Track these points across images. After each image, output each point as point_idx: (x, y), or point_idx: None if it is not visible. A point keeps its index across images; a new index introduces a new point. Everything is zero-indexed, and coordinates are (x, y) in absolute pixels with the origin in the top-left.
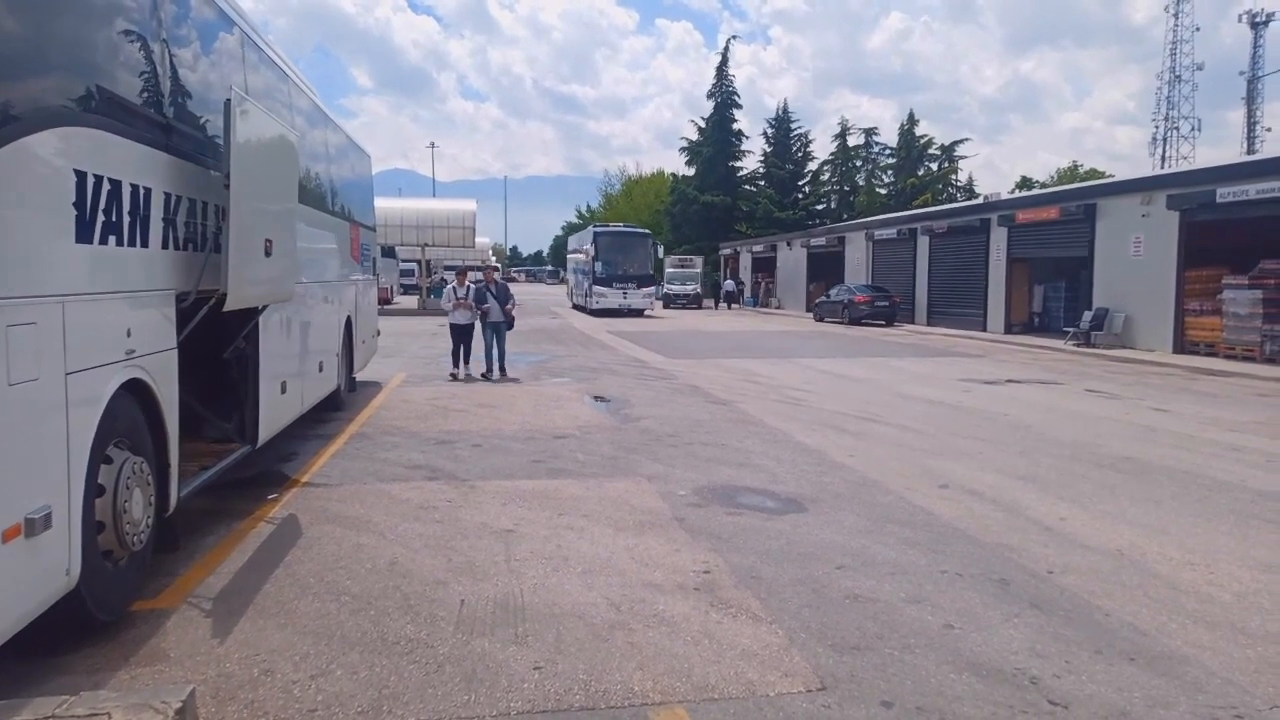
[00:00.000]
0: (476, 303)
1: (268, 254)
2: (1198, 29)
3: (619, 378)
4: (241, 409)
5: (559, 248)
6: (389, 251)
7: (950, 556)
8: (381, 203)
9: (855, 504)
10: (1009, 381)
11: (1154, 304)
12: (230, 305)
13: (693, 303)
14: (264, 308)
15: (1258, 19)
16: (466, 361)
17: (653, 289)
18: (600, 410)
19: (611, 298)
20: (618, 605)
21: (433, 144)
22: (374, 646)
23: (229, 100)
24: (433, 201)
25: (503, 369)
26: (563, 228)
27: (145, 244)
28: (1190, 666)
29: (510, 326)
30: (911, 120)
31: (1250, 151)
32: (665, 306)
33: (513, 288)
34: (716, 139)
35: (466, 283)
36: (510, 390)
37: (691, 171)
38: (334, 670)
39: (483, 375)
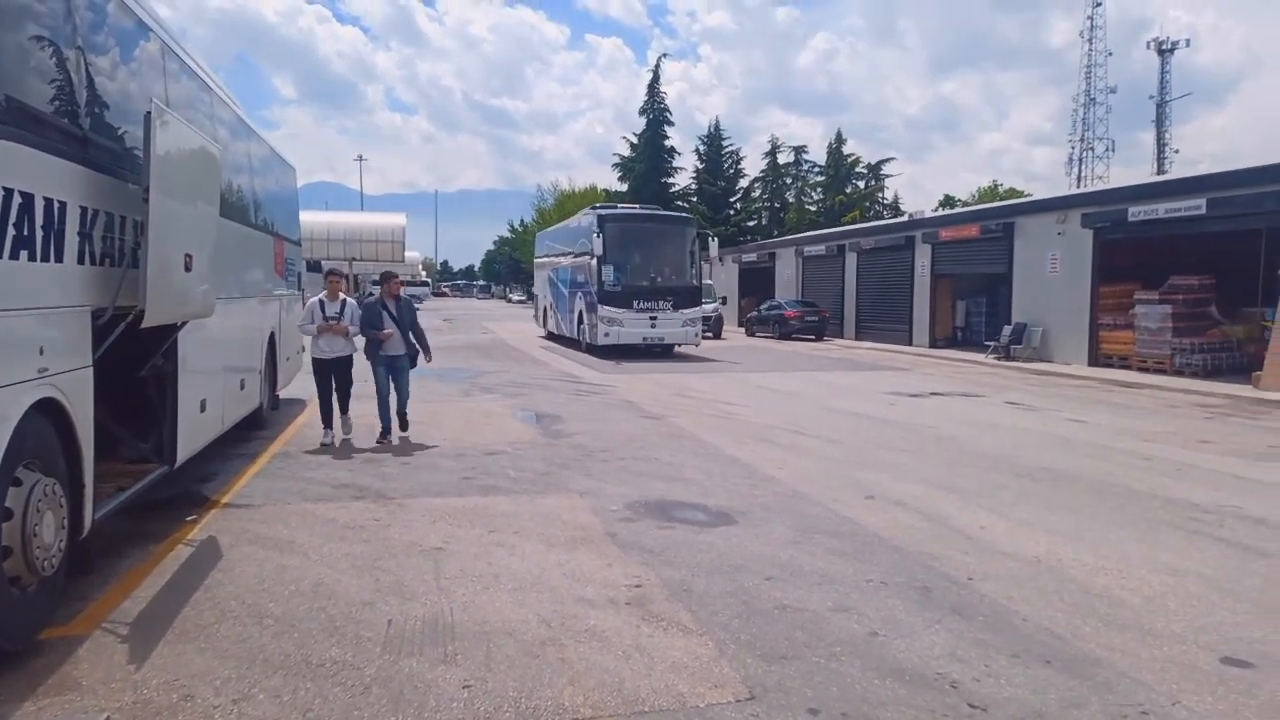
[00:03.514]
0: (364, 326)
1: (188, 269)
2: (1110, 54)
3: (552, 393)
4: (160, 428)
5: (490, 262)
6: (315, 266)
7: (876, 565)
8: (307, 216)
9: (785, 516)
10: (933, 394)
11: (1070, 319)
12: (149, 321)
13: (708, 326)
14: (184, 324)
15: (1164, 46)
16: (344, 411)
17: (698, 311)
18: (532, 426)
19: (631, 325)
20: (549, 621)
21: (360, 156)
22: (298, 669)
23: (149, 112)
24: (361, 215)
25: (404, 421)
26: (495, 242)
27: (59, 259)
28: (1102, 668)
29: (414, 364)
30: (839, 139)
31: (1160, 172)
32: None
33: (441, 304)
34: (649, 155)
35: (342, 296)
36: (440, 407)
37: (625, 187)
38: (256, 694)
39: (379, 440)
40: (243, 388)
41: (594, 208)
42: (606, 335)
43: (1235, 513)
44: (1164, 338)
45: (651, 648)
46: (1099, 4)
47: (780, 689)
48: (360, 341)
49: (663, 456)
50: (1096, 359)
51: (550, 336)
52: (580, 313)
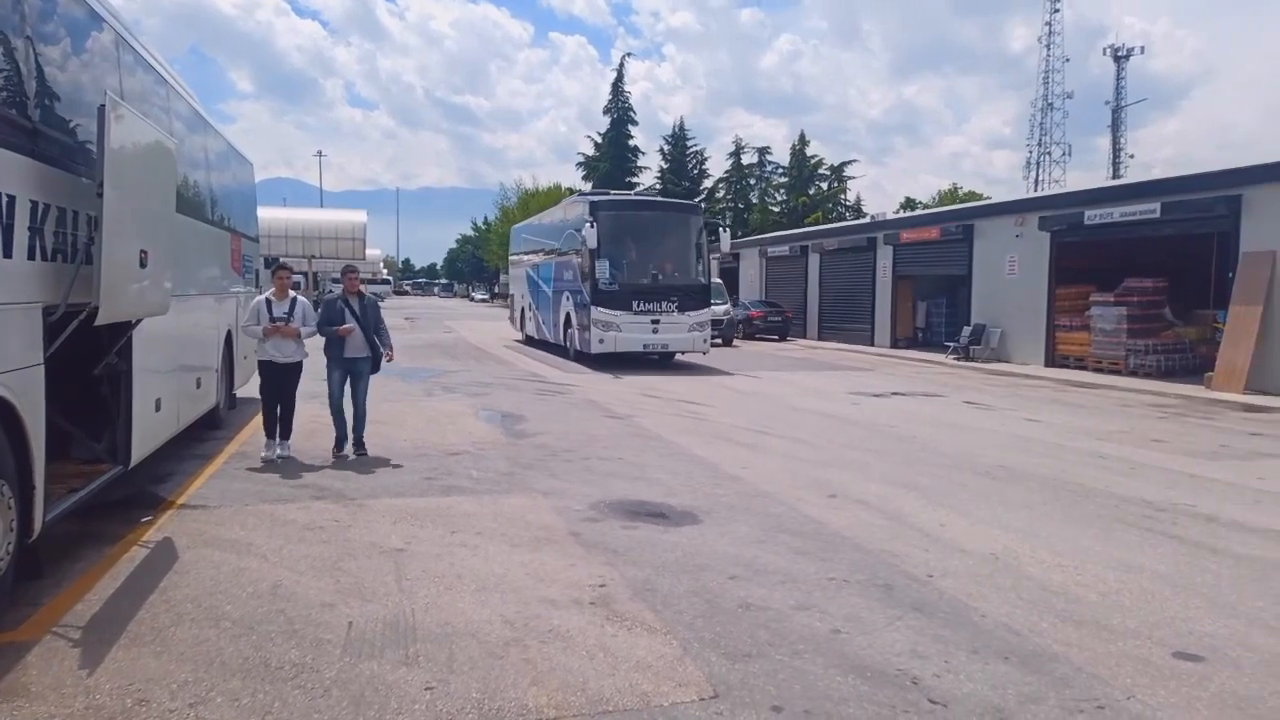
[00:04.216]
0: (323, 323)
1: (143, 265)
2: (1068, 60)
3: (515, 393)
4: (113, 428)
5: (453, 260)
6: (273, 263)
7: (838, 564)
8: (265, 212)
9: (748, 515)
10: (894, 394)
11: (1027, 320)
12: (103, 319)
13: (719, 331)
14: (138, 321)
15: (1120, 53)
16: (285, 432)
17: (707, 313)
18: (495, 426)
19: (630, 330)
20: (512, 622)
21: (320, 152)
22: (256, 672)
23: (103, 105)
24: (320, 212)
25: (360, 443)
26: (457, 240)
27: (8, 254)
28: (1059, 663)
29: (376, 368)
30: (803, 141)
31: (1115, 176)
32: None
33: (402, 302)
34: (613, 155)
35: (291, 294)
36: (401, 407)
37: (589, 187)
38: (214, 698)
39: (335, 454)
40: (199, 387)
41: (584, 194)
42: (601, 342)
43: (1188, 510)
44: (1119, 339)
45: (616, 647)
46: (1057, 11)
47: (744, 687)
48: (314, 344)
49: (627, 456)
50: (1053, 359)
51: (529, 341)
52: (568, 315)
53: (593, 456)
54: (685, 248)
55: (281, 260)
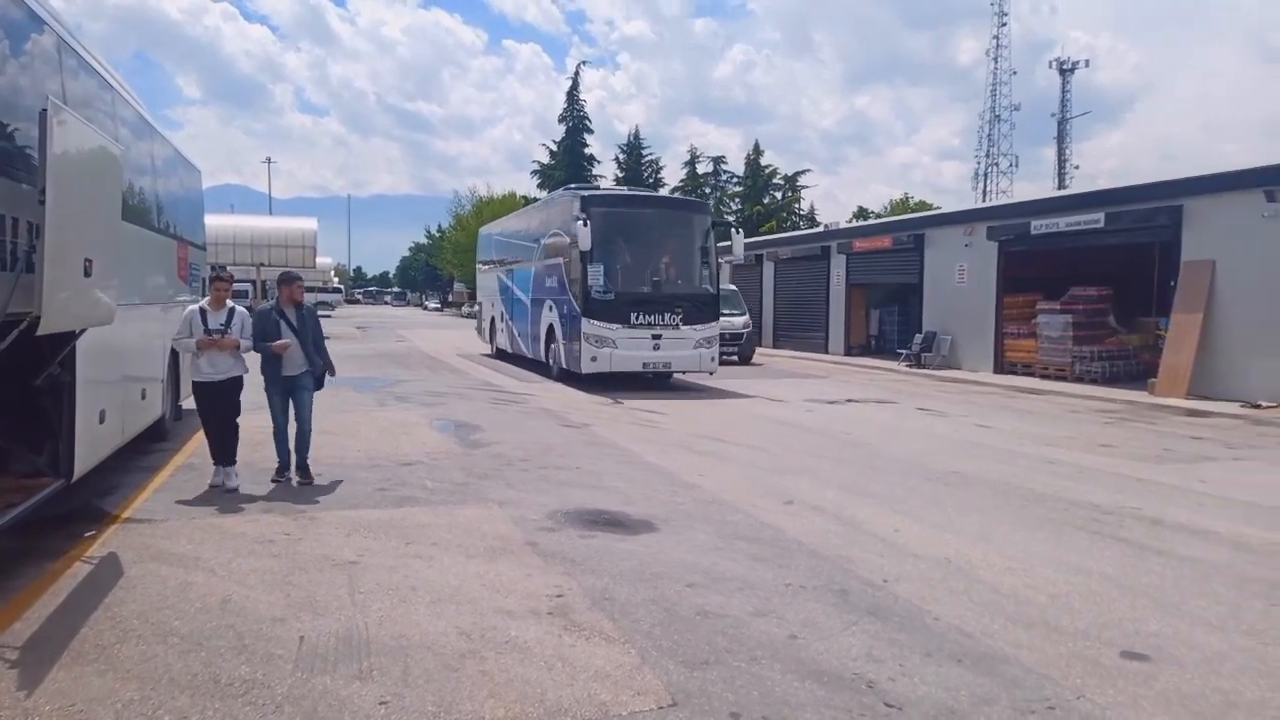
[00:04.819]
0: (258, 339)
1: (87, 274)
2: (1015, 73)
3: (469, 402)
4: (55, 440)
5: (406, 269)
6: (219, 271)
7: (795, 570)
8: (213, 220)
9: (705, 522)
10: (849, 401)
11: (977, 328)
12: (45, 329)
13: (737, 347)
14: (82, 331)
15: (1066, 66)
16: (229, 457)
17: (715, 326)
18: (449, 435)
19: (628, 346)
20: (469, 634)
21: (269, 159)
22: (205, 689)
23: (45, 109)
24: (269, 219)
25: (304, 469)
26: (410, 248)
27: None
28: (1010, 665)
29: (320, 385)
30: (757, 150)
31: (1061, 187)
32: None
33: (353, 311)
34: (568, 163)
35: (229, 303)
36: (353, 417)
37: (544, 195)
38: (161, 716)
39: (275, 477)
40: (144, 398)
41: (570, 188)
42: (594, 360)
43: (1134, 513)
44: (1065, 346)
45: (574, 657)
46: (1005, 24)
47: (702, 694)
48: (254, 360)
49: (583, 465)
50: (1002, 366)
51: (501, 355)
52: (551, 328)
53: (549, 466)
54: (690, 251)
55: (220, 268)
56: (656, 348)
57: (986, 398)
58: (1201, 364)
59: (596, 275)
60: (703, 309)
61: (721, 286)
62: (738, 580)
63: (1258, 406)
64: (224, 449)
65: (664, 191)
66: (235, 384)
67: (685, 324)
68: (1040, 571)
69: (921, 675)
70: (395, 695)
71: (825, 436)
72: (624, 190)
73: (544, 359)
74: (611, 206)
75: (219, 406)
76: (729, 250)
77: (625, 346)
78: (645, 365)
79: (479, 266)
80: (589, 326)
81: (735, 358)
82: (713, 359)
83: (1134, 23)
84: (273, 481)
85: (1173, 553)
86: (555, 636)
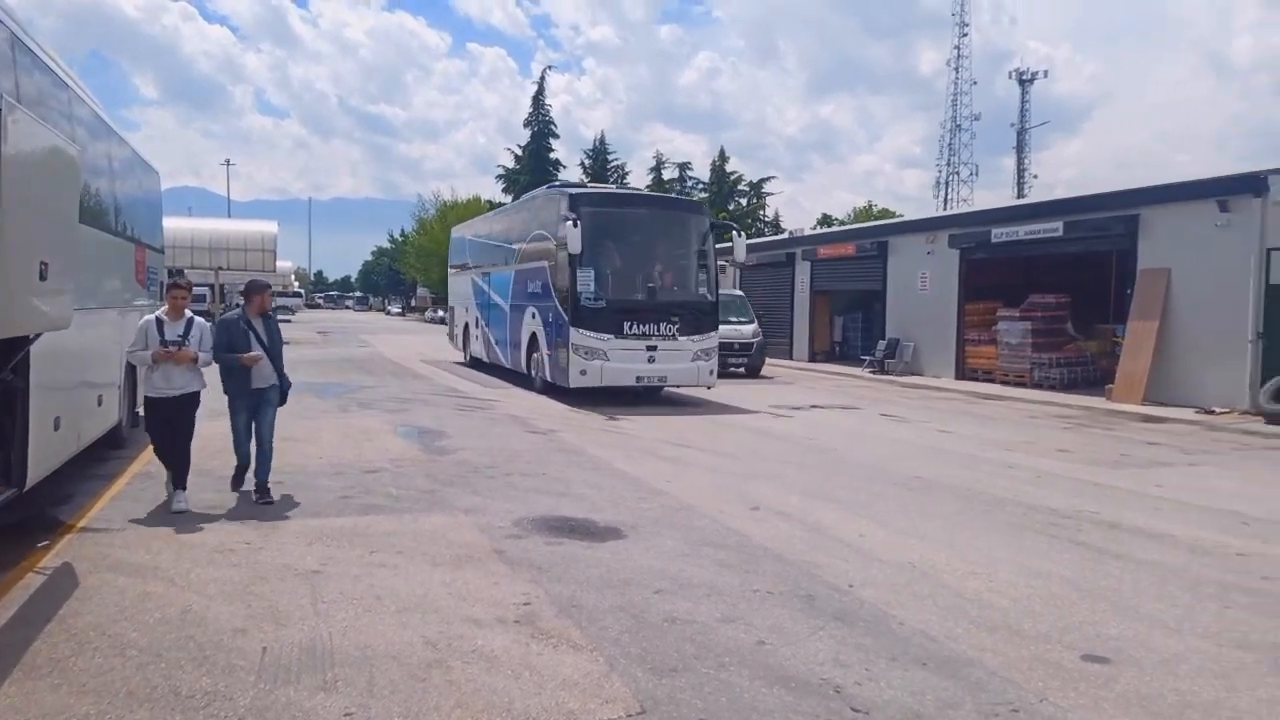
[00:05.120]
0: (221, 350)
1: (43, 277)
2: (975, 83)
3: (434, 409)
4: (7, 447)
5: (368, 273)
6: (177, 275)
7: (761, 576)
8: (170, 223)
9: (672, 529)
10: (814, 407)
11: (938, 334)
12: None
13: (745, 359)
14: (37, 336)
15: (1025, 77)
16: (180, 482)
17: (714, 336)
18: (414, 442)
19: (620, 359)
20: (435, 643)
21: (228, 161)
22: (165, 702)
23: None
24: (229, 222)
25: (264, 485)
26: (373, 252)
27: None
28: (974, 668)
29: (284, 400)
30: (722, 156)
31: (1020, 196)
32: None
33: (314, 316)
34: (534, 168)
35: (187, 313)
36: (316, 423)
37: (509, 199)
38: None
39: (234, 488)
40: (100, 404)
41: (557, 186)
42: (583, 373)
43: (1092, 517)
44: (1024, 353)
45: (541, 666)
46: (965, 35)
47: (671, 701)
48: (211, 373)
49: (550, 472)
50: (963, 373)
51: (476, 364)
52: (534, 337)
53: (515, 472)
54: (687, 255)
55: (178, 273)
56: (651, 360)
57: (948, 403)
58: (1157, 371)
59: (586, 281)
60: (701, 318)
61: (726, 292)
62: (705, 586)
63: (1212, 413)
64: (176, 475)
65: None
66: (192, 400)
67: (682, 334)
68: (1002, 575)
69: (888, 679)
70: (360, 706)
71: (790, 442)
72: (615, 189)
73: (525, 370)
74: (603, 206)
75: (171, 423)
76: (730, 253)
77: (617, 359)
78: (639, 379)
79: (451, 270)
80: (578, 336)
81: (742, 370)
82: (711, 372)
83: (1091, 35)
84: (232, 487)
85: (1130, 556)
86: (522, 645)
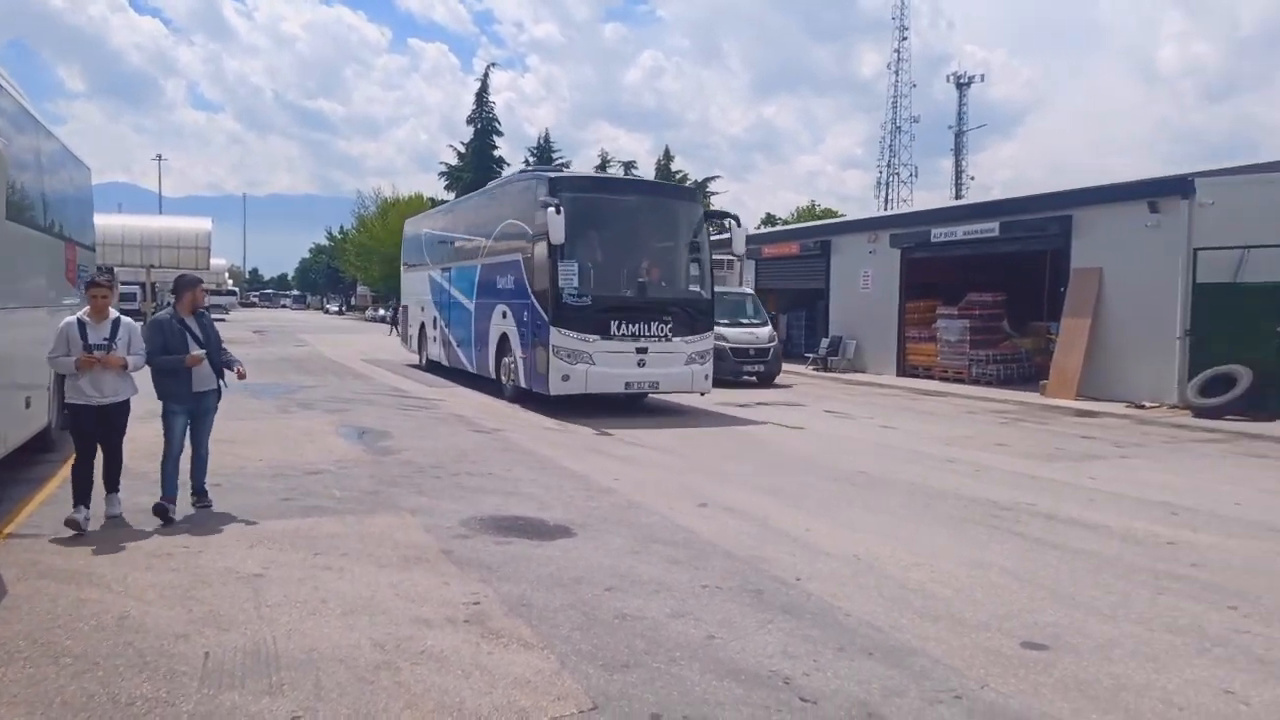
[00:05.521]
0: (157, 353)
1: None
2: (914, 86)
3: (377, 408)
4: None
5: (305, 271)
6: (107, 273)
7: (710, 571)
8: (101, 220)
9: (622, 526)
10: (759, 404)
11: (881, 332)
12: None
13: (762, 365)
14: None
15: (962, 80)
16: (112, 484)
17: (709, 336)
18: (357, 443)
19: (607, 362)
20: (382, 645)
21: (159, 156)
22: (103, 711)
23: None
24: (161, 219)
25: (202, 493)
26: (311, 250)
27: None
28: (918, 656)
29: (219, 397)
30: (667, 155)
31: (958, 197)
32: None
33: (249, 315)
34: (477, 165)
35: (113, 313)
36: (254, 425)
37: (452, 196)
38: None
39: (157, 510)
40: (28, 406)
41: (532, 170)
42: (566, 379)
43: (1029, 509)
44: (963, 350)
45: (492, 665)
46: (905, 39)
47: (623, 697)
48: (141, 378)
49: (497, 471)
50: (905, 369)
51: (434, 368)
52: (504, 338)
53: (462, 472)
54: (680, 247)
55: (102, 270)
56: (641, 364)
57: (890, 399)
58: (1090, 366)
59: (569, 275)
60: (696, 317)
61: (735, 290)
62: (655, 583)
63: (1142, 407)
64: (105, 478)
65: None
66: (121, 409)
67: (676, 335)
68: (944, 566)
69: (835, 670)
70: (308, 709)
71: (737, 439)
72: (596, 174)
73: (493, 374)
74: (587, 191)
75: (100, 434)
76: (727, 245)
77: (604, 362)
78: (628, 385)
79: (404, 266)
80: (559, 338)
81: (755, 379)
82: (706, 377)
83: (1027, 40)
84: (155, 513)
85: (1067, 546)
86: (473, 644)
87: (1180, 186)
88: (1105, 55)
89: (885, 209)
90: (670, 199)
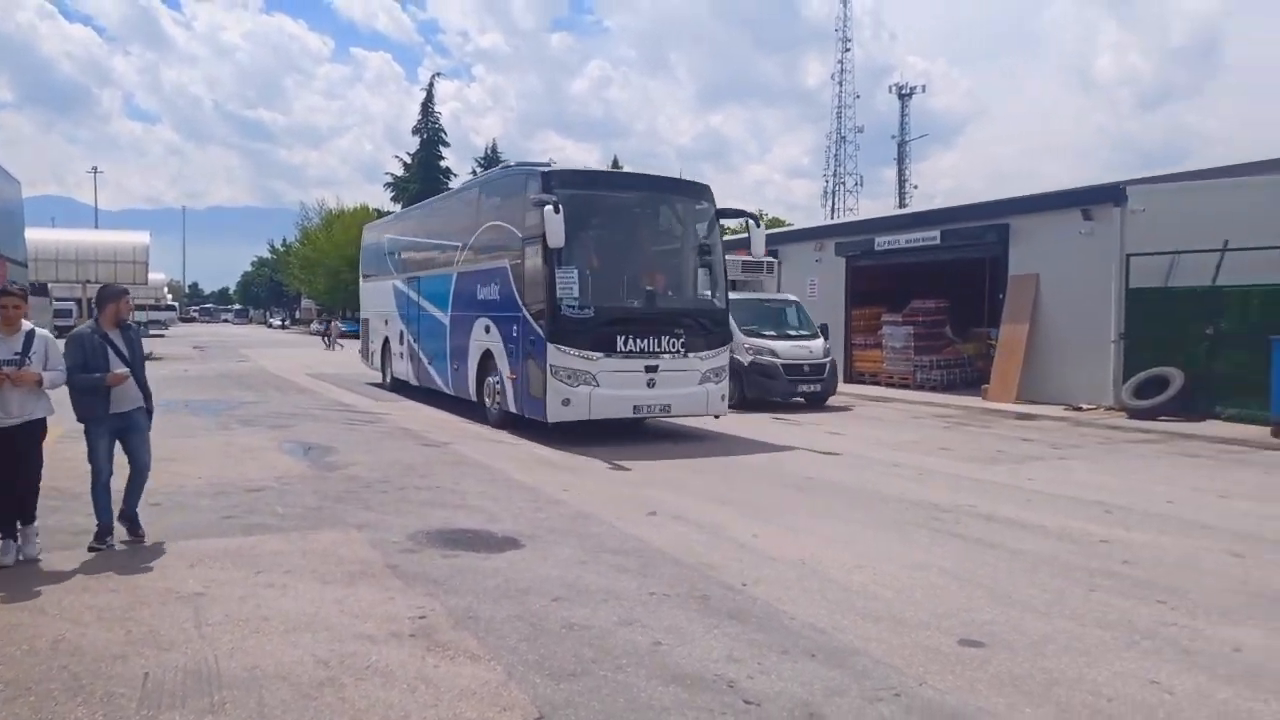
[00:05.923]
0: (77, 370)
1: None
2: (858, 96)
3: (322, 423)
4: None
5: (248, 284)
6: (41, 289)
7: (658, 579)
8: (33, 234)
9: (570, 537)
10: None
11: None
12: None
13: (819, 384)
14: None
15: (904, 91)
16: (27, 516)
17: (724, 351)
18: (300, 459)
19: (612, 384)
20: (326, 661)
21: (95, 168)
22: None
23: None
24: (96, 233)
25: (133, 523)
26: (253, 263)
27: None
28: (860, 657)
29: (150, 419)
30: (615, 165)
31: (902, 205)
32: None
33: (189, 330)
34: (423, 175)
35: (25, 324)
36: (193, 442)
37: (398, 208)
38: None
39: (94, 544)
40: None
41: (511, 165)
42: (566, 403)
43: (970, 511)
44: (907, 356)
45: (438, 678)
46: (848, 50)
47: (569, 705)
48: (58, 395)
49: (445, 484)
50: (851, 376)
51: (399, 387)
52: (488, 356)
53: (409, 486)
54: (690, 250)
55: (11, 283)
56: (651, 384)
57: (836, 406)
58: (1028, 370)
59: (569, 283)
60: (711, 329)
61: (775, 296)
62: (603, 592)
63: (1079, 409)
64: (18, 509)
65: None
66: (34, 429)
67: (690, 350)
68: (886, 568)
69: (779, 672)
70: None
71: (685, 446)
72: (595, 168)
73: (473, 396)
74: (587, 188)
75: (11, 459)
76: (747, 247)
77: (610, 383)
78: (636, 409)
79: (364, 277)
80: (558, 356)
81: (802, 399)
82: (722, 398)
83: (966, 51)
84: (90, 550)
85: (1004, 546)
86: (418, 658)
87: (1113, 194)
88: (1044, 65)
89: (832, 218)
90: (680, 195)
